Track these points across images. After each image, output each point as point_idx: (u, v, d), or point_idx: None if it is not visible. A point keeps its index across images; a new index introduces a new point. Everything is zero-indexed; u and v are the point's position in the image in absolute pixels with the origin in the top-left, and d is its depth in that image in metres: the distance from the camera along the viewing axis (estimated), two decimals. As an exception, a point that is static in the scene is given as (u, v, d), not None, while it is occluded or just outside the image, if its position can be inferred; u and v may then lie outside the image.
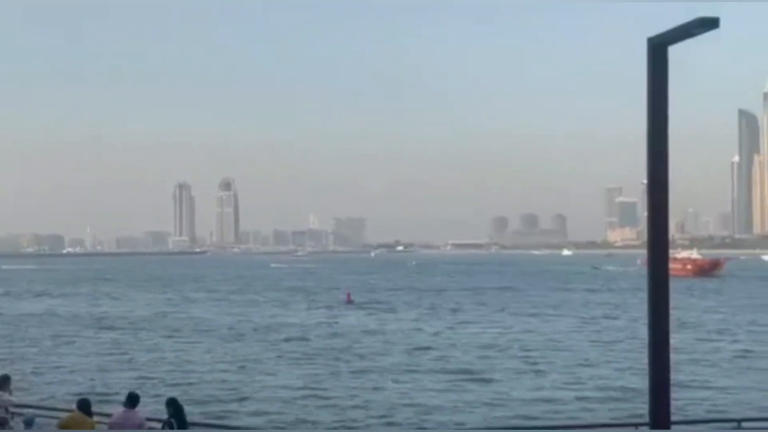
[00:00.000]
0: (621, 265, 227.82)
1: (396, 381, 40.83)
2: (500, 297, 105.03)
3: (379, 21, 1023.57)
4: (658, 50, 10.20)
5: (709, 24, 9.63)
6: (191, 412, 22.43)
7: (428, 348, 53.26)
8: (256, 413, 32.97)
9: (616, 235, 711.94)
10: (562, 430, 23.28)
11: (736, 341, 57.04)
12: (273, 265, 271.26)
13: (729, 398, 36.01)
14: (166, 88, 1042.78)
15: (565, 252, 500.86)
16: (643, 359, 11.14)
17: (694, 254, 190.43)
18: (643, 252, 11.28)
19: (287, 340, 58.28)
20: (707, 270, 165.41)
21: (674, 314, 11.26)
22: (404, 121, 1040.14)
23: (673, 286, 10.45)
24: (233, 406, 34.49)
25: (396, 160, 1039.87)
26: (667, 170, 10.26)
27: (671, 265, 12.78)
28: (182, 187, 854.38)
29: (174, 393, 27.23)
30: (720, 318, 74.58)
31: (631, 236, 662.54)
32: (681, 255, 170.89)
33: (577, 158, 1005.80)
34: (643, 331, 11.64)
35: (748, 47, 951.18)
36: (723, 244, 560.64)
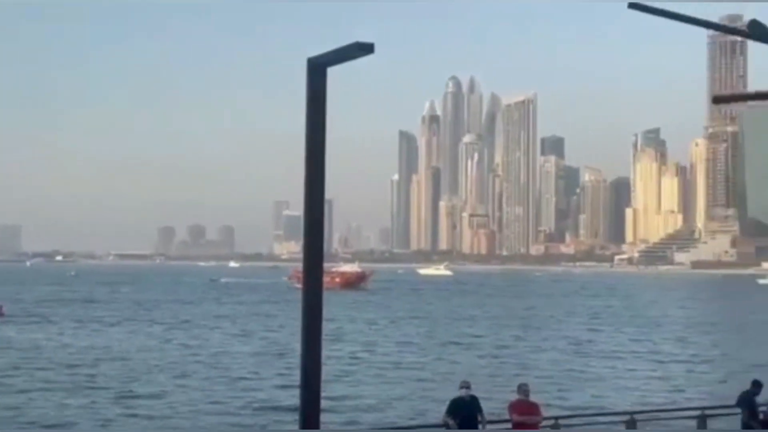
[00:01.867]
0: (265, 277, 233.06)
1: (42, 397, 38.92)
2: (158, 309, 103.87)
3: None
4: (317, 70, 10.42)
5: (365, 49, 9.96)
6: None
7: (79, 365, 50.95)
8: None
9: (282, 248, 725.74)
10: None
11: (385, 354, 59.31)
12: None
13: (380, 407, 37.60)
14: None
15: (232, 264, 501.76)
16: (294, 374, 11.27)
17: (356, 267, 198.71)
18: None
19: None
20: (354, 282, 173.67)
21: (326, 326, 11.55)
22: (67, 124, 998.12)
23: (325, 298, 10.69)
24: None
25: (55, 165, 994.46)
26: (323, 186, 10.51)
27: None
28: None
29: None
30: (373, 330, 77.93)
31: (296, 249, 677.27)
32: (335, 269, 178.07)
33: (246, 170, 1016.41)
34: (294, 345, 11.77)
35: (409, 73, 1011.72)
36: (383, 258, 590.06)
